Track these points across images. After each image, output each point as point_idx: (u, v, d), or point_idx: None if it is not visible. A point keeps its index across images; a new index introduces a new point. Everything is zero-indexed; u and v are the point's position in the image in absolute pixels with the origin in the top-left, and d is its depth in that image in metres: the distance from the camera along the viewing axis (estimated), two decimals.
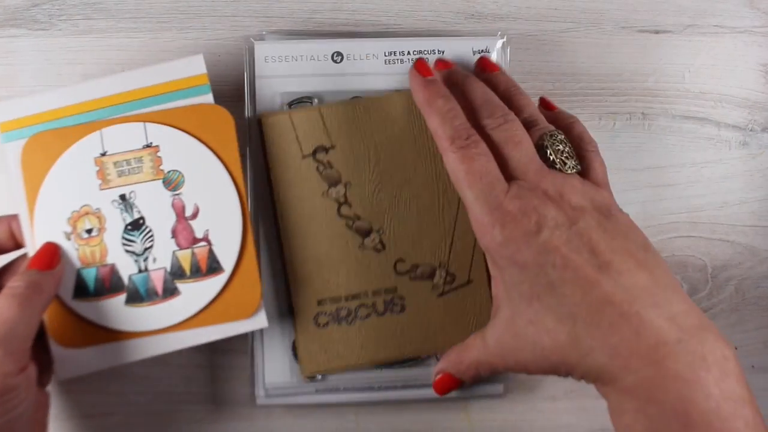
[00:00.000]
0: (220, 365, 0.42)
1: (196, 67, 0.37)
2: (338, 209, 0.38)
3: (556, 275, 0.30)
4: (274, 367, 0.40)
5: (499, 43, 0.41)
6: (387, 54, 0.40)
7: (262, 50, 0.40)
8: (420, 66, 0.36)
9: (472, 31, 0.43)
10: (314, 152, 0.38)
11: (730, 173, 0.45)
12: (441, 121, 0.33)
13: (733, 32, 0.45)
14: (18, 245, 0.37)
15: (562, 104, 0.44)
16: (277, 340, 0.40)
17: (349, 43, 0.40)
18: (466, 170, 0.32)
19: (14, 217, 0.36)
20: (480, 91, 0.35)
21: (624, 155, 0.44)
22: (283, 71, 0.40)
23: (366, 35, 0.42)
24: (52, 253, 0.34)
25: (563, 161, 0.33)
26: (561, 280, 0.29)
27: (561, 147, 0.34)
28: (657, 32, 0.45)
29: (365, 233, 0.38)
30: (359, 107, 0.38)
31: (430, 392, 0.41)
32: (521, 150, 0.33)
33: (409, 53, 0.40)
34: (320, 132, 0.38)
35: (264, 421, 0.42)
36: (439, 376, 0.37)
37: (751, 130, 0.45)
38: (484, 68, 0.39)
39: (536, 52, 0.44)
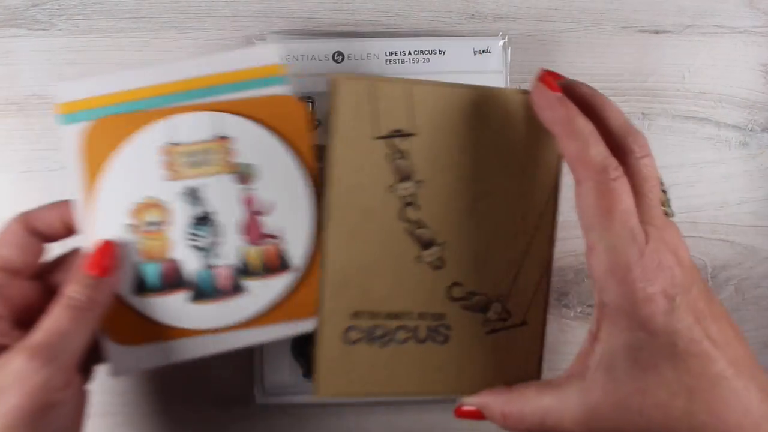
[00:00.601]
0: (220, 365, 0.42)
1: (271, 56, 0.34)
2: (401, 210, 0.32)
3: (682, 346, 0.28)
4: (274, 367, 0.40)
5: (500, 43, 0.41)
6: (388, 54, 0.40)
7: None
8: (547, 80, 0.31)
9: (472, 31, 0.43)
10: (390, 135, 0.32)
11: (730, 173, 0.45)
12: (584, 145, 0.28)
13: (733, 32, 0.45)
14: (71, 232, 0.34)
15: None
16: None
17: (350, 43, 0.40)
18: (609, 209, 0.28)
19: (67, 204, 0.34)
20: (619, 112, 0.31)
21: None
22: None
23: (366, 35, 0.42)
24: (109, 257, 0.32)
25: (670, 207, 0.31)
26: (686, 353, 0.28)
27: (665, 192, 0.31)
28: (657, 32, 0.45)
29: (426, 244, 0.33)
30: (457, 94, 0.32)
31: None
32: (656, 191, 0.30)
33: (409, 53, 0.40)
34: (403, 113, 0.32)
35: (264, 421, 0.42)
36: (469, 409, 0.33)
37: (751, 130, 0.45)
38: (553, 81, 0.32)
39: (536, 52, 0.44)
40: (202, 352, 0.34)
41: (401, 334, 0.33)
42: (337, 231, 0.32)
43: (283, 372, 0.40)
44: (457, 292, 0.33)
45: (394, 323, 0.33)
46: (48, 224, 0.34)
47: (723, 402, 0.28)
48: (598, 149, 0.29)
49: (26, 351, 0.29)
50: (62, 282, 0.32)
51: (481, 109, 0.32)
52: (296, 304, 0.34)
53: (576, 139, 0.29)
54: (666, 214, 0.30)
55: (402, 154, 0.32)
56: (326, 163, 0.32)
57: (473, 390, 0.33)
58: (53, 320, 0.30)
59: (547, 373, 0.35)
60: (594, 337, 0.30)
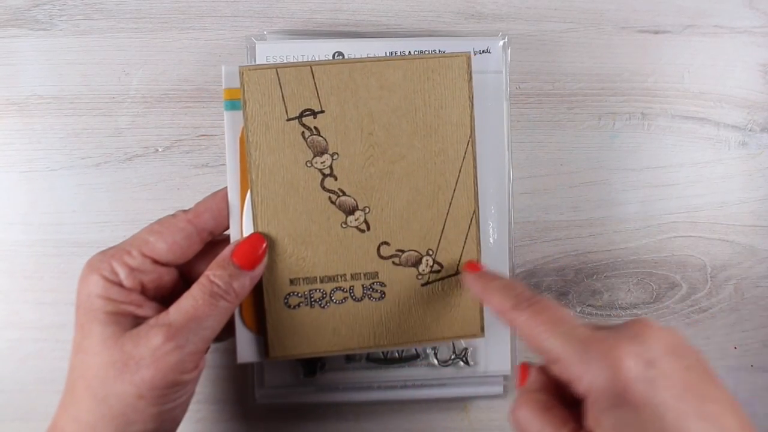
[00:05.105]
0: (220, 365, 0.42)
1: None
2: (322, 181, 0.35)
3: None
4: (274, 366, 0.40)
5: (500, 43, 0.41)
6: (388, 54, 0.40)
7: (263, 50, 0.40)
8: (470, 266, 0.36)
9: (472, 32, 0.43)
10: (301, 115, 0.34)
11: (729, 173, 0.45)
12: (501, 293, 0.31)
13: (733, 32, 0.45)
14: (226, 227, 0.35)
15: (561, 104, 0.44)
16: None
17: (350, 43, 0.40)
18: (542, 321, 0.28)
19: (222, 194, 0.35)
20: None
21: (623, 155, 0.44)
22: None
23: (366, 35, 0.42)
24: (258, 254, 0.33)
25: None
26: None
27: None
28: (657, 32, 0.45)
29: (349, 210, 0.35)
30: (356, 69, 0.35)
31: (430, 392, 0.41)
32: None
33: (409, 53, 0.40)
34: (310, 93, 0.34)
35: (264, 421, 0.42)
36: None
37: (750, 130, 0.45)
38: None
39: (536, 52, 0.44)
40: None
41: (338, 295, 0.36)
42: (265, 208, 0.35)
43: (283, 372, 0.40)
44: (385, 251, 0.36)
45: (330, 286, 0.35)
46: (215, 217, 0.34)
47: None
48: (515, 291, 0.31)
49: (164, 330, 0.30)
50: (196, 269, 0.34)
51: (380, 78, 0.35)
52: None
53: (494, 293, 0.31)
54: None
55: (314, 130, 0.35)
56: (246, 148, 0.35)
57: (416, 340, 0.36)
58: (192, 303, 0.31)
59: None
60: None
